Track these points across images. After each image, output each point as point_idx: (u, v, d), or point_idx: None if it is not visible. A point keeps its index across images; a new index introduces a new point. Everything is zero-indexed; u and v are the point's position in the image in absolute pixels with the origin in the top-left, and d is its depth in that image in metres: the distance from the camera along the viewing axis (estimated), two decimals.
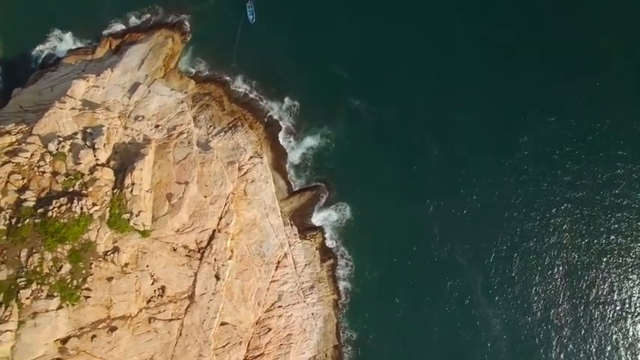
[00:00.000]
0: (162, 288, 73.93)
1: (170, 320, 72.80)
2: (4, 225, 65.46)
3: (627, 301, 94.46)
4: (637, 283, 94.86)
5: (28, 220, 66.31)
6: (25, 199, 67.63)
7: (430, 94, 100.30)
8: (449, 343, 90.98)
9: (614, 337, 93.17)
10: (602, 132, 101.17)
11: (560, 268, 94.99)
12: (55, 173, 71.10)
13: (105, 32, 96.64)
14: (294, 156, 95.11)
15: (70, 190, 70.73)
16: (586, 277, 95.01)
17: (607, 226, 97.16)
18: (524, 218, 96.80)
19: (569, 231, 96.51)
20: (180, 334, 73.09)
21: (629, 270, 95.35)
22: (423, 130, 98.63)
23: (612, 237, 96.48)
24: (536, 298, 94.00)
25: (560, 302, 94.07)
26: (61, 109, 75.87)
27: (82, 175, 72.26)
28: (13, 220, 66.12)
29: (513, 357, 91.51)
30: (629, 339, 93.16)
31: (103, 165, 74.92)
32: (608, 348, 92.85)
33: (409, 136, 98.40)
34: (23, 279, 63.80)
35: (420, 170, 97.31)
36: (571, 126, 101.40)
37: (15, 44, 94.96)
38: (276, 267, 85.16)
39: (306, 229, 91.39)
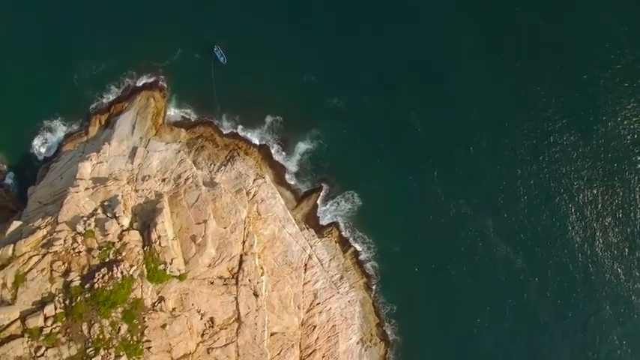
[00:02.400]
0: (211, 319, 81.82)
1: (226, 345, 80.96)
2: (60, 308, 72.70)
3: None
4: None
5: (79, 297, 73.33)
6: (71, 281, 74.61)
7: (398, 73, 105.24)
8: (476, 286, 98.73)
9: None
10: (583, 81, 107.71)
11: (564, 197, 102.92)
12: (89, 250, 77.89)
13: (91, 107, 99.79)
14: (292, 165, 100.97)
15: (107, 260, 77.40)
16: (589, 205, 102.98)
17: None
18: (516, 162, 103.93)
19: (558, 165, 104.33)
20: (238, 354, 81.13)
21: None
22: (402, 107, 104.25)
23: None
24: (544, 229, 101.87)
25: (570, 228, 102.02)
26: (76, 192, 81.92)
27: (113, 243, 78.86)
28: (67, 302, 73.21)
29: (540, 288, 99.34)
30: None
31: (128, 229, 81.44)
32: (621, 274, 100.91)
33: (391, 116, 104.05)
34: (91, 349, 71.43)
35: (409, 144, 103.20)
36: (554, 71, 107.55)
37: (12, 148, 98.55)
38: (305, 270, 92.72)
39: (321, 227, 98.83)
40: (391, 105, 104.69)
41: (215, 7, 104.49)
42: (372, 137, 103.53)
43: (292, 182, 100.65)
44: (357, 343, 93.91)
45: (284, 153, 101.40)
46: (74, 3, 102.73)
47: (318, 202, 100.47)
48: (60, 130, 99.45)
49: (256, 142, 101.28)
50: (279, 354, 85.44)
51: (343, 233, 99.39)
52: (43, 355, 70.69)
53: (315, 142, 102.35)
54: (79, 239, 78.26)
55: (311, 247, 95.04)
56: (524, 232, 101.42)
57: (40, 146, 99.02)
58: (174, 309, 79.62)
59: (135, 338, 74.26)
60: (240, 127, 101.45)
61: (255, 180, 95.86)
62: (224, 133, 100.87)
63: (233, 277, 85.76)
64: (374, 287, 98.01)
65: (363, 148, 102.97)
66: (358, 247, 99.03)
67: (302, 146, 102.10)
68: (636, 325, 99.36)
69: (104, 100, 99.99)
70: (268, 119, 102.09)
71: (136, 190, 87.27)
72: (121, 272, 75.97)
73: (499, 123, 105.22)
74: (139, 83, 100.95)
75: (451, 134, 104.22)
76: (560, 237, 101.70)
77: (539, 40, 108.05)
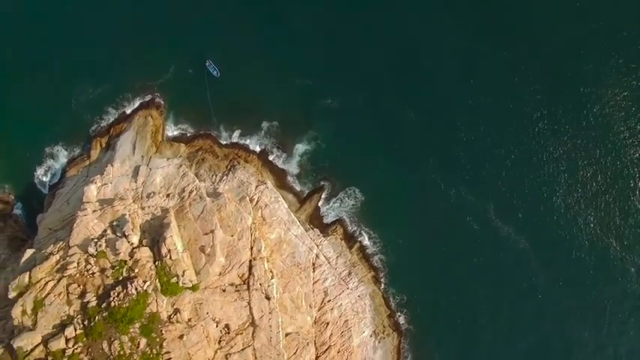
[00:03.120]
0: (227, 326, 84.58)
1: (243, 350, 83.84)
2: (80, 329, 75.27)
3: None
4: None
5: (97, 317, 75.89)
6: (88, 301, 77.16)
7: (387, 69, 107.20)
8: (482, 268, 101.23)
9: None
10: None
11: (561, 174, 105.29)
12: (102, 270, 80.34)
13: (91, 131, 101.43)
14: (292, 167, 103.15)
15: (121, 278, 79.98)
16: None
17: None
18: (512, 145, 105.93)
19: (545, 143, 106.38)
20: (256, 357, 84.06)
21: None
22: (394, 101, 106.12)
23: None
24: (545, 207, 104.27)
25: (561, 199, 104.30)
26: (84, 215, 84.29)
27: (125, 261, 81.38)
28: (86, 322, 75.71)
29: (545, 267, 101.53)
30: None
31: (138, 246, 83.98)
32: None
33: (384, 110, 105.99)
34: None
35: (405, 136, 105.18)
36: (543, 55, 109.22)
37: (17, 178, 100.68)
38: (313, 269, 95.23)
39: (326, 226, 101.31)
40: (383, 100, 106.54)
41: (203, 23, 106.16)
42: (368, 133, 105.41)
43: (294, 185, 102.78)
44: (371, 336, 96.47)
45: (283, 156, 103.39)
46: (64, 30, 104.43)
47: (322, 200, 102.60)
48: (62, 156, 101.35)
49: (255, 149, 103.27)
50: (295, 353, 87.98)
51: (349, 229, 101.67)
52: None
53: (312, 142, 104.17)
54: (92, 261, 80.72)
55: (317, 246, 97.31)
56: (525, 213, 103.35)
57: (44, 174, 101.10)
58: (189, 319, 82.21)
59: (154, 351, 76.83)
60: (238, 136, 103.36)
61: (257, 186, 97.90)
62: (223, 143, 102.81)
63: (244, 283, 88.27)
64: (382, 280, 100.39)
65: (361, 144, 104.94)
66: (365, 242, 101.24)
67: (300, 148, 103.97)
68: None
69: (103, 123, 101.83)
70: (265, 125, 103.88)
71: (143, 208, 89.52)
72: (136, 288, 78.43)
73: (490, 108, 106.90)
74: (136, 103, 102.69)
75: (445, 123, 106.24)
76: (561, 214, 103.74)
77: (525, 27, 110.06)
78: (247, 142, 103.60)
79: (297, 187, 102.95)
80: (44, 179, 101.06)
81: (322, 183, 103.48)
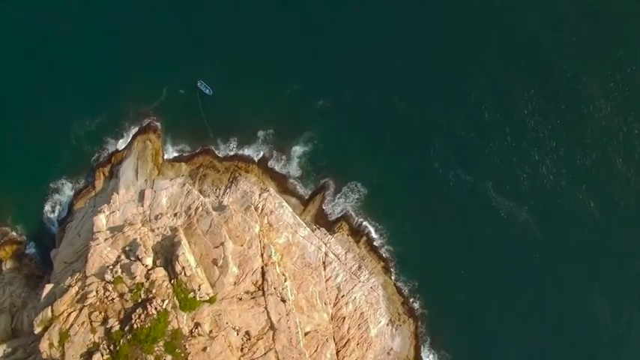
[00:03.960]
0: (247, 332, 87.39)
1: (265, 354, 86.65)
2: (107, 354, 78.15)
3: None
4: None
5: (121, 340, 78.80)
6: (111, 327, 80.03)
7: (372, 62, 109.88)
8: (488, 246, 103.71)
9: None
10: None
11: (553, 145, 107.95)
12: (121, 295, 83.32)
13: (93, 162, 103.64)
14: (292, 171, 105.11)
15: (140, 300, 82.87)
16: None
17: None
18: (503, 122, 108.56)
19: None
20: (279, 359, 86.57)
21: None
22: (383, 93, 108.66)
23: None
24: (542, 180, 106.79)
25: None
26: (97, 245, 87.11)
27: (142, 284, 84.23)
28: (111, 347, 78.54)
29: (548, 237, 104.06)
30: None
31: (152, 267, 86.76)
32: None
33: (375, 103, 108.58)
34: None
35: (398, 126, 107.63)
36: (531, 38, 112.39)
37: (26, 218, 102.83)
38: (324, 267, 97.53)
39: (331, 224, 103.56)
40: (373, 93, 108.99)
41: (190, 44, 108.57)
42: (362, 127, 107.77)
43: (296, 187, 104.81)
44: (387, 325, 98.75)
45: (282, 161, 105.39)
46: (56, 67, 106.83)
47: (327, 198, 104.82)
48: (67, 190, 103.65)
49: (254, 158, 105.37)
50: (316, 350, 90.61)
51: (354, 223, 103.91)
52: None
53: (309, 144, 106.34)
54: (110, 287, 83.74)
55: (325, 244, 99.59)
56: (524, 186, 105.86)
57: (51, 210, 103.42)
58: (211, 331, 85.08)
59: None
60: (235, 148, 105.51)
61: (260, 194, 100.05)
62: (222, 157, 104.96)
63: (259, 289, 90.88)
64: (392, 269, 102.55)
65: (356, 139, 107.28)
66: (371, 234, 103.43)
67: (298, 150, 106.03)
68: None
69: (104, 153, 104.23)
70: (261, 134, 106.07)
71: (152, 230, 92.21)
72: (155, 308, 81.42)
73: (477, 90, 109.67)
74: (134, 129, 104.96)
75: (435, 109, 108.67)
76: (557, 183, 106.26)
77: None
78: (246, 152, 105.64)
79: (300, 190, 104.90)
80: (53, 215, 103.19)
81: (323, 182, 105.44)
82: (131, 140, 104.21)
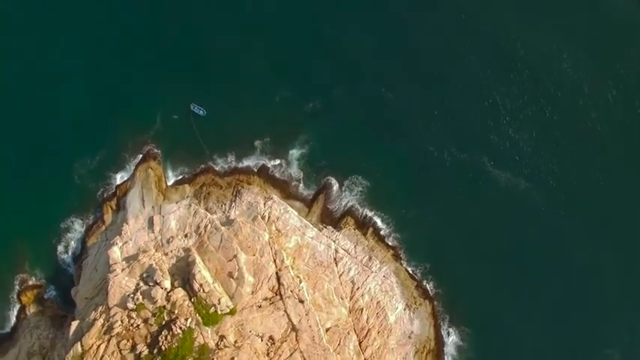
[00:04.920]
0: (271, 337, 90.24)
1: (291, 355, 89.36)
2: None
3: None
4: None
5: None
6: (140, 352, 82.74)
7: (354, 58, 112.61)
8: (491, 219, 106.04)
9: None
10: None
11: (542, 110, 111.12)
12: (145, 320, 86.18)
13: (98, 197, 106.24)
14: (293, 175, 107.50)
15: (164, 322, 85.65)
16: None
17: None
18: (490, 95, 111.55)
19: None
20: (304, 358, 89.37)
21: None
22: (369, 86, 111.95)
23: None
24: (534, 146, 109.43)
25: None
26: (115, 276, 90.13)
27: (164, 306, 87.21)
28: None
29: (550, 201, 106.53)
30: None
31: (171, 289, 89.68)
32: None
33: (363, 97, 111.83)
34: None
35: (389, 115, 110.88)
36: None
37: (43, 263, 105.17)
38: (336, 263, 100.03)
39: (337, 221, 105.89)
40: (359, 88, 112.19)
41: (177, 69, 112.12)
42: (354, 122, 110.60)
43: (298, 191, 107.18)
44: (404, 310, 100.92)
45: (282, 167, 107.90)
46: (49, 109, 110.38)
47: (330, 196, 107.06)
48: (78, 228, 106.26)
49: (254, 169, 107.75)
50: (339, 344, 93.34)
51: (359, 217, 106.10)
52: None
53: (305, 146, 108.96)
54: (134, 314, 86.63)
55: (334, 241, 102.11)
56: (518, 155, 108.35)
57: (64, 251, 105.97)
58: (235, 341, 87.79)
59: None
60: (234, 162, 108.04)
61: (265, 203, 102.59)
62: (223, 173, 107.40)
63: (276, 294, 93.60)
64: (402, 255, 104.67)
65: (350, 134, 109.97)
66: (377, 224, 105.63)
67: (295, 153, 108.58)
68: None
69: (108, 187, 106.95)
70: (257, 144, 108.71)
71: (166, 254, 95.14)
72: (180, 327, 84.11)
73: (460, 70, 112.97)
74: (134, 160, 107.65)
75: (421, 95, 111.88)
76: (550, 148, 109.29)
77: None
78: (245, 164, 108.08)
79: (302, 192, 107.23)
80: (67, 255, 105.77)
81: (324, 181, 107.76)
82: (133, 171, 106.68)
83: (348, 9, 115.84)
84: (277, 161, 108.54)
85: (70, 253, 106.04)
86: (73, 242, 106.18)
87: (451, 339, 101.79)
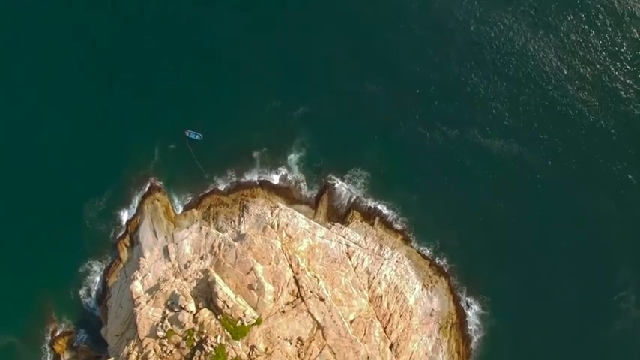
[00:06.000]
0: (299, 339, 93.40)
1: (321, 352, 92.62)
2: None
3: None
4: None
5: None
6: None
7: (337, 57, 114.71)
8: (491, 185, 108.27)
9: None
10: None
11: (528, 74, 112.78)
12: (177, 345, 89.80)
13: (111, 237, 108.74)
14: (294, 179, 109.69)
15: (195, 344, 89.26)
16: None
17: None
18: (473, 70, 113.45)
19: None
20: (334, 352, 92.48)
21: None
22: (355, 82, 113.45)
23: None
24: (523, 110, 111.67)
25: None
26: (141, 309, 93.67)
27: (192, 329, 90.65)
28: None
29: (539, 157, 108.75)
30: None
31: (197, 311, 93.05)
32: None
33: (350, 93, 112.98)
34: None
35: (378, 106, 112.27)
36: None
37: (69, 310, 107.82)
38: (349, 257, 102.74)
39: (343, 216, 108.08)
40: (346, 85, 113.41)
41: (167, 99, 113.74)
42: (345, 118, 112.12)
43: (302, 194, 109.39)
44: (422, 289, 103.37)
45: (282, 174, 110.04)
46: (49, 157, 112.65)
47: (333, 194, 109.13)
48: (97, 269, 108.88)
49: (256, 181, 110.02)
50: (365, 333, 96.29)
51: (365, 207, 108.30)
52: None
53: (302, 149, 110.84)
54: (165, 342, 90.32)
55: (344, 237, 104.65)
56: (506, 121, 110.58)
57: (87, 294, 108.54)
58: (266, 349, 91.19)
59: None
60: (235, 178, 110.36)
61: (272, 212, 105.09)
62: (227, 191, 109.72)
63: (297, 297, 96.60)
64: (411, 238, 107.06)
65: (343, 130, 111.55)
66: (383, 212, 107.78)
67: (293, 158, 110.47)
68: None
69: (119, 226, 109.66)
70: (256, 156, 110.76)
71: (186, 279, 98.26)
72: (211, 345, 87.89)
73: (441, 54, 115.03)
74: (139, 195, 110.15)
75: (404, 81, 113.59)
76: (538, 110, 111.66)
77: None
78: (247, 178, 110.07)
79: (306, 195, 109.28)
80: (90, 298, 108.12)
81: (325, 180, 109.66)
82: (140, 205, 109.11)
83: (320, 17, 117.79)
84: (277, 169, 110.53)
85: (93, 296, 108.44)
86: (94, 285, 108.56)
87: (472, 309, 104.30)
